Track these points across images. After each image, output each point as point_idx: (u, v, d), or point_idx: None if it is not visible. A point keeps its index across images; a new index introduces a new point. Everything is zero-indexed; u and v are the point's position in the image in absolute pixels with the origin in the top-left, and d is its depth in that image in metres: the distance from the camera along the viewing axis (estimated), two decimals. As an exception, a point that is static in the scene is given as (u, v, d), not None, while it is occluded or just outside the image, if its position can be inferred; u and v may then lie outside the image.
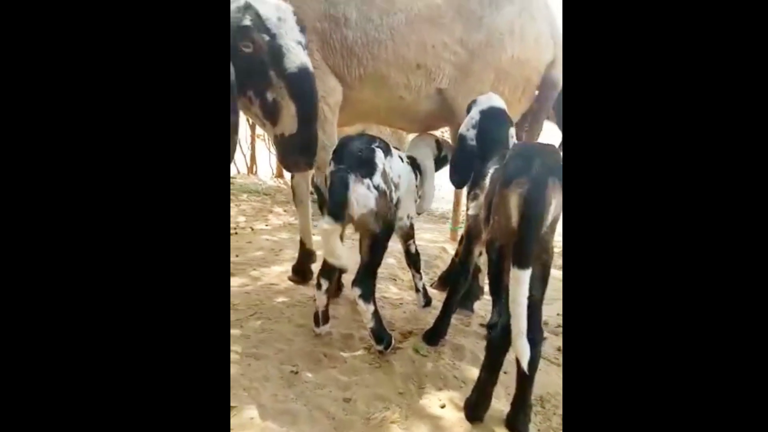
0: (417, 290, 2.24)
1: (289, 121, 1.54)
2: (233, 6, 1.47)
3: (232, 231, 3.55)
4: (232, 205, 4.59)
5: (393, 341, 1.77)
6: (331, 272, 1.80)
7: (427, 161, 2.02)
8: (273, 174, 6.56)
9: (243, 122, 6.77)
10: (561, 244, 3.09)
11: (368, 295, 1.68)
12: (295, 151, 1.58)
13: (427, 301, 2.25)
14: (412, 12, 1.88)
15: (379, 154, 1.65)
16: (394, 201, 1.72)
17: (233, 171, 6.52)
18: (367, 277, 1.69)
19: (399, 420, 1.37)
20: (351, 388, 1.53)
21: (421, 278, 2.22)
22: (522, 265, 1.13)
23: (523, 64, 2.00)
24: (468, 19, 1.92)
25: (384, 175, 1.65)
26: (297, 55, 1.48)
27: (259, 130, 6.91)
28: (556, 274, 3.08)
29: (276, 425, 1.32)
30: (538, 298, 1.16)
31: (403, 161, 1.88)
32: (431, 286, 2.56)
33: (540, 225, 1.17)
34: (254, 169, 6.73)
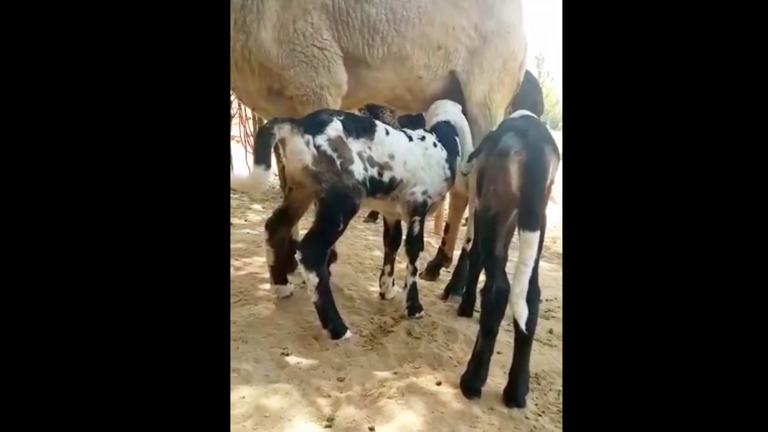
0: (405, 286, 1.91)
1: None
2: None
3: (210, 225, 3.46)
4: (208, 201, 4.48)
5: (346, 333, 1.66)
6: (273, 225, 1.83)
7: (460, 119, 1.98)
8: (249, 173, 6.43)
9: (219, 120, 6.62)
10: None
11: (310, 261, 1.61)
12: None
13: (412, 306, 1.90)
14: None
15: (336, 124, 1.65)
16: (357, 176, 1.65)
17: (208, 169, 6.37)
18: (311, 243, 1.63)
19: (396, 396, 1.35)
20: (345, 369, 1.50)
21: (413, 272, 1.89)
22: (533, 227, 1.15)
23: (516, 58, 2.07)
24: (482, 6, 1.96)
25: (334, 143, 1.62)
26: None
27: (234, 131, 6.75)
28: (543, 265, 3.13)
29: (270, 402, 1.27)
30: (537, 260, 1.19)
31: (412, 140, 1.86)
32: (419, 275, 2.55)
33: (543, 188, 1.19)
34: (230, 168, 6.60)
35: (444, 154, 1.90)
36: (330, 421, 1.22)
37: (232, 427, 1.17)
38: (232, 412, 1.23)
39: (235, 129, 6.84)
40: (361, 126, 1.73)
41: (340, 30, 1.84)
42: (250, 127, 6.62)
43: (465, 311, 2.02)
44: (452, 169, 1.91)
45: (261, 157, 1.57)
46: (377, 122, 1.81)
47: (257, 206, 4.60)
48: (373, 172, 1.73)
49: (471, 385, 1.39)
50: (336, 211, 1.64)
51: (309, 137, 1.60)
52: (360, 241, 3.45)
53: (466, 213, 2.56)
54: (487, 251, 1.36)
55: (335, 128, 1.65)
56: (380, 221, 4.29)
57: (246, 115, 6.70)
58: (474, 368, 1.39)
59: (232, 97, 6.23)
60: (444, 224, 2.73)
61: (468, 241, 2.18)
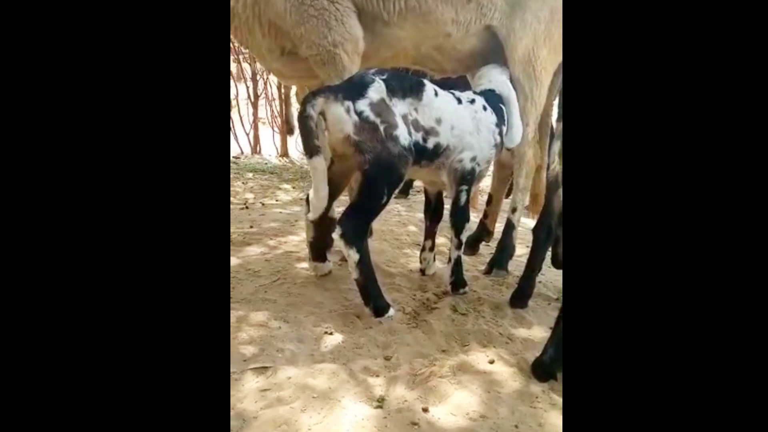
0: (449, 260, 1.82)
1: None
2: None
3: (242, 206, 3.44)
4: (239, 182, 4.47)
5: (389, 310, 1.59)
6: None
7: (506, 89, 1.83)
8: (278, 153, 6.41)
9: (246, 103, 6.59)
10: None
11: (351, 237, 1.51)
12: None
13: (456, 282, 1.81)
14: None
15: (378, 85, 1.52)
16: (403, 143, 1.53)
17: (237, 151, 6.38)
18: (352, 218, 1.53)
19: (448, 375, 1.28)
20: (390, 347, 1.44)
21: (458, 246, 1.78)
22: None
23: None
24: None
25: (377, 107, 1.49)
26: None
27: (261, 112, 6.73)
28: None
29: (317, 383, 1.23)
30: None
31: (462, 103, 1.72)
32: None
33: None
34: (258, 149, 6.59)
35: (494, 118, 1.76)
36: (381, 402, 1.17)
37: (280, 409, 1.13)
38: (278, 393, 1.19)
39: (262, 111, 6.83)
40: (407, 85, 1.59)
41: None
42: (277, 107, 6.59)
43: (519, 301, 1.78)
44: (501, 134, 1.79)
45: (308, 148, 1.49)
46: (426, 81, 1.67)
47: (287, 186, 4.57)
48: (418, 137, 1.60)
49: (552, 368, 1.28)
50: (380, 182, 1.53)
51: (349, 103, 1.48)
52: (393, 217, 3.37)
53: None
54: None
55: (378, 90, 1.52)
56: (411, 197, 4.19)
57: (272, 96, 6.67)
58: (556, 351, 1.27)
59: (258, 78, 6.17)
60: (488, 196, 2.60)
61: (513, 210, 2.06)
